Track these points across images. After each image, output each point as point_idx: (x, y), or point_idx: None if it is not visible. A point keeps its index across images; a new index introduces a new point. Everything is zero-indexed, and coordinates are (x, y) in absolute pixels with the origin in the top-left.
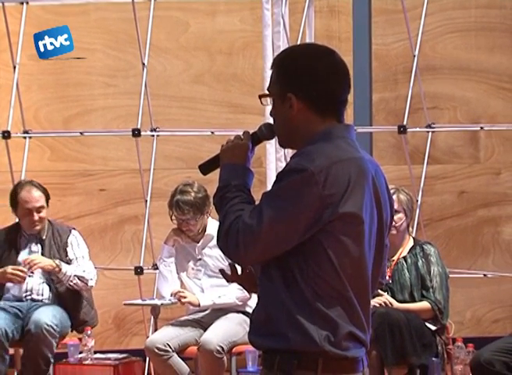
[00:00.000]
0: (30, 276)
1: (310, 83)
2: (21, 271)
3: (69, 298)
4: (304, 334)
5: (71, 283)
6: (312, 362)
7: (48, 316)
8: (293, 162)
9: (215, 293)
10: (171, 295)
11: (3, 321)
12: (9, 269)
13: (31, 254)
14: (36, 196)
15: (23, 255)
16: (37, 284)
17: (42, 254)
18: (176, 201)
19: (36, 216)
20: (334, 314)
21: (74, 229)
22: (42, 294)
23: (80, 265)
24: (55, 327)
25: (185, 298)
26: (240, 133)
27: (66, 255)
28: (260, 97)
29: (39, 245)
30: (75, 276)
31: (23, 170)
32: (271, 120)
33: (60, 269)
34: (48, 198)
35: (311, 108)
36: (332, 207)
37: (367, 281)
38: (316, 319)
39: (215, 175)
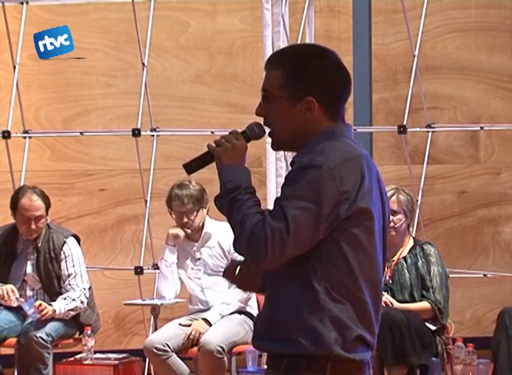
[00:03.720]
0: (20, 301)
1: (328, 86)
2: (12, 291)
3: None
4: (315, 339)
5: (67, 316)
6: (321, 365)
7: (40, 326)
8: (306, 160)
9: (219, 307)
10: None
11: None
12: (4, 287)
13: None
14: (36, 205)
15: (28, 269)
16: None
17: (37, 262)
18: (175, 193)
19: (33, 225)
20: (345, 316)
21: (72, 236)
22: None
23: (70, 287)
24: (45, 338)
25: (200, 334)
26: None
27: (60, 267)
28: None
29: (35, 253)
30: (68, 310)
31: (23, 170)
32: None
33: (54, 311)
34: (48, 207)
35: (325, 110)
36: (348, 203)
37: (379, 279)
38: (327, 322)
39: (214, 174)
